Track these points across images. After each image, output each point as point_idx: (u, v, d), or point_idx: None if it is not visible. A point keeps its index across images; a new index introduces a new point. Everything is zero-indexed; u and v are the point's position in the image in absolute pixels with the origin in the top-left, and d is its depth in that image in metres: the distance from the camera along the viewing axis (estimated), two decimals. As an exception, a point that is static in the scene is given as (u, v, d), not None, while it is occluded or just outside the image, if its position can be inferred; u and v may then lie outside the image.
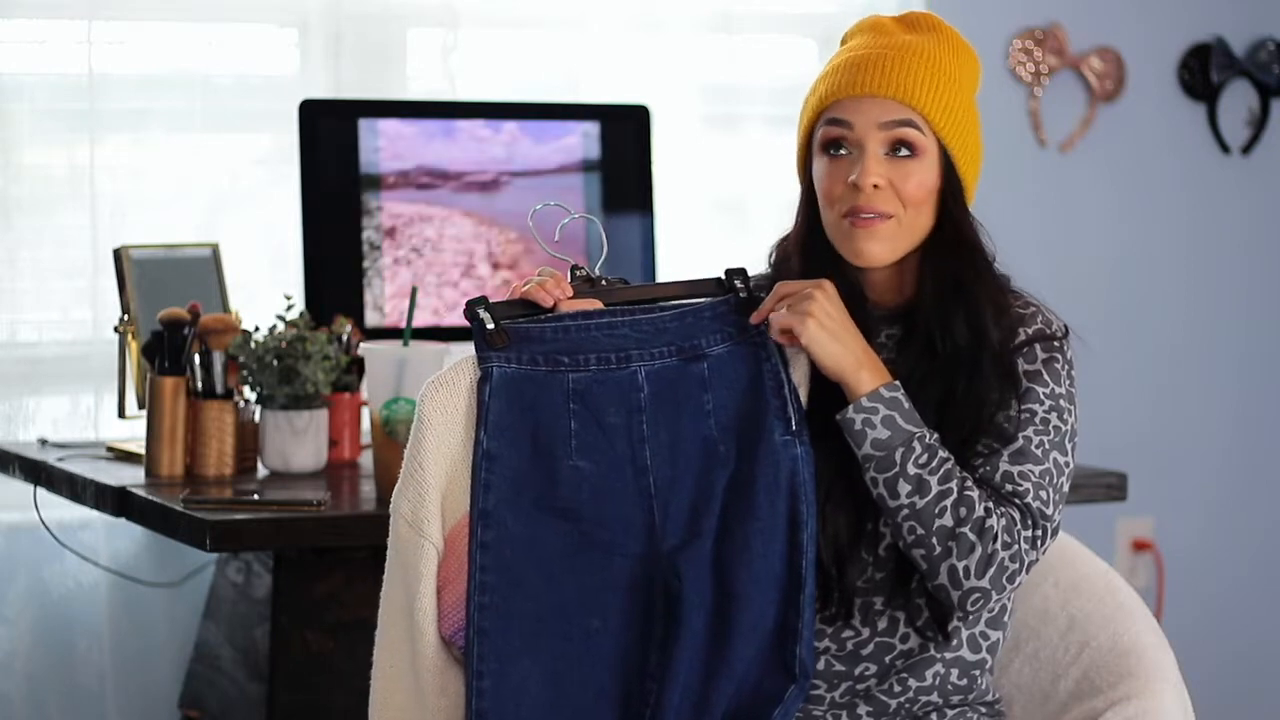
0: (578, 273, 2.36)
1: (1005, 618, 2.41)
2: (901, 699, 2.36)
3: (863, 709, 2.36)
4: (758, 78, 4.05)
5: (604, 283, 2.35)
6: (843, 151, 2.33)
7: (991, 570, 2.25)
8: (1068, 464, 2.32)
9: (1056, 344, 2.35)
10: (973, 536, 2.24)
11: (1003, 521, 2.25)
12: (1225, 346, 4.50)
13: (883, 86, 2.32)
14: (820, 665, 2.36)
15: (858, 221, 2.32)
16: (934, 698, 2.36)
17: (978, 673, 2.39)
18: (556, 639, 2.26)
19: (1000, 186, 4.12)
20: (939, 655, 2.36)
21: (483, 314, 2.30)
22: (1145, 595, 4.28)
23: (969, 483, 2.26)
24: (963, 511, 2.24)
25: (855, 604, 2.34)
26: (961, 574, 2.25)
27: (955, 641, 2.37)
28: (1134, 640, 2.50)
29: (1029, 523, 2.27)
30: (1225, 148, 4.46)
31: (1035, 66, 4.27)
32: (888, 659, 2.35)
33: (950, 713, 2.37)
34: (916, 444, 2.24)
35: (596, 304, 2.33)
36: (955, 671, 2.37)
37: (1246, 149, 4.48)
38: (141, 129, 3.64)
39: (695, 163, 3.99)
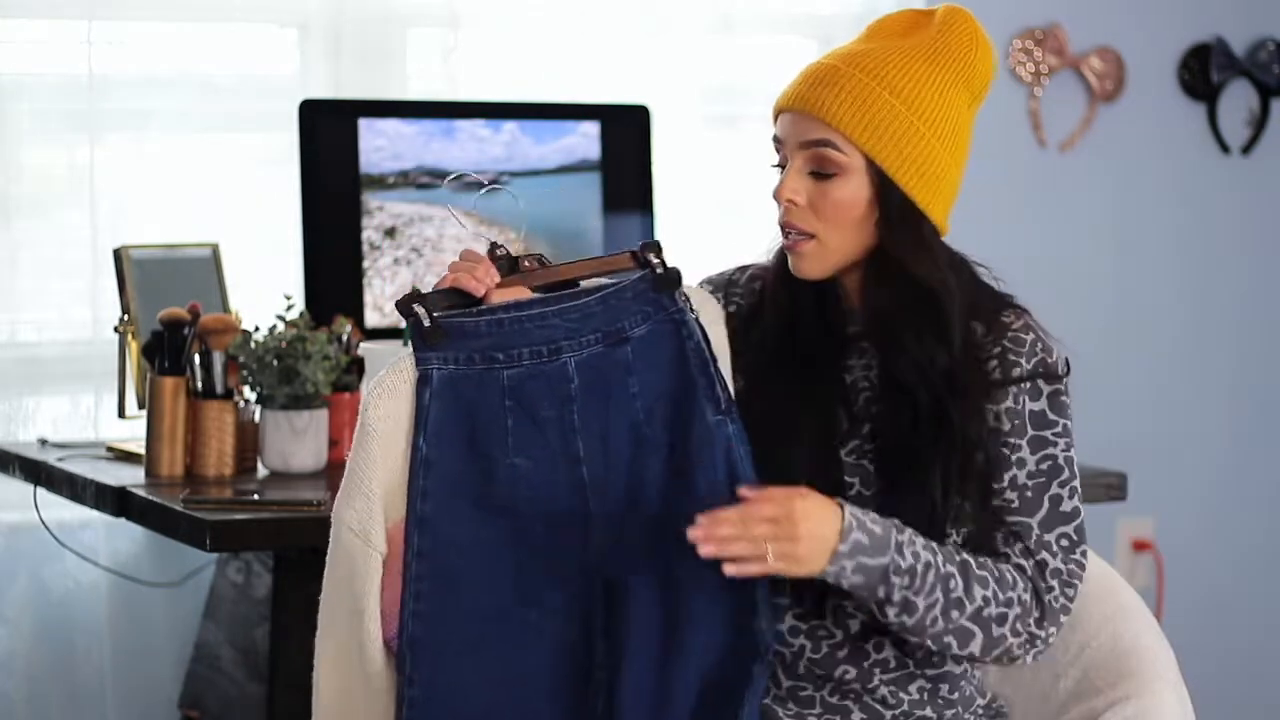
0: (497, 251, 2.30)
1: None
2: (896, 711, 2.35)
3: (856, 715, 2.34)
4: (758, 78, 4.05)
5: (525, 263, 2.30)
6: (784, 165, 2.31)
7: (998, 652, 2.26)
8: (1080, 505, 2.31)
9: (1059, 380, 2.29)
10: (974, 628, 2.24)
11: (1014, 611, 2.24)
12: (1225, 346, 4.50)
13: (802, 102, 2.26)
14: (800, 668, 2.34)
15: (786, 241, 2.29)
16: (928, 712, 2.35)
17: (964, 683, 2.38)
18: (499, 637, 2.22)
19: (1000, 186, 4.13)
20: (920, 671, 2.35)
21: (419, 310, 2.24)
22: (1145, 595, 4.27)
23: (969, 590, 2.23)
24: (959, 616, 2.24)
25: (827, 604, 2.31)
26: (968, 657, 2.27)
27: (937, 658, 2.35)
28: (1134, 640, 2.50)
29: (1039, 606, 2.26)
30: (1225, 148, 4.46)
31: (1035, 66, 4.27)
32: (865, 664, 2.33)
33: (948, 713, 2.36)
34: (893, 577, 2.19)
35: (525, 291, 2.29)
36: (945, 687, 2.36)
37: (1246, 149, 4.48)
38: (141, 129, 3.64)
39: (695, 163, 3.99)
